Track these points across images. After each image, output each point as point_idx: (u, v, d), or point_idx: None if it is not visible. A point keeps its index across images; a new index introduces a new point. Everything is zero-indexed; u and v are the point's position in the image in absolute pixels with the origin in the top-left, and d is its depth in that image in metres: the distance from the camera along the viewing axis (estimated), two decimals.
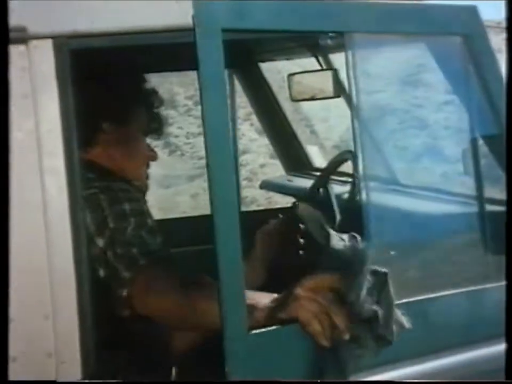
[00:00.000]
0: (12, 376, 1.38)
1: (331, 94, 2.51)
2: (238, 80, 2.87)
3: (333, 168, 2.46)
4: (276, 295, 1.50)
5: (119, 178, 1.76)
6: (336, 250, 1.52)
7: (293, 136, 2.99)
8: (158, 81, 2.05)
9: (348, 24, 1.52)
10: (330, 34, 1.86)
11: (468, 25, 1.60)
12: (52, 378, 1.41)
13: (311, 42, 2.62)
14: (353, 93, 1.56)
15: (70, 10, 1.43)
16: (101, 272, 1.58)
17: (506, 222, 1.46)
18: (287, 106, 2.91)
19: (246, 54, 2.77)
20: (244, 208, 3.29)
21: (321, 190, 2.44)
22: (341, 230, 2.12)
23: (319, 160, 3.04)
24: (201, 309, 1.50)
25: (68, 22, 1.43)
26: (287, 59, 2.88)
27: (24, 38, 1.39)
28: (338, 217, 2.21)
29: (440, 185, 2.34)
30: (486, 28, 1.61)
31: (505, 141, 1.51)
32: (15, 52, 1.39)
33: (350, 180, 2.50)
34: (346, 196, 2.40)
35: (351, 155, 2.31)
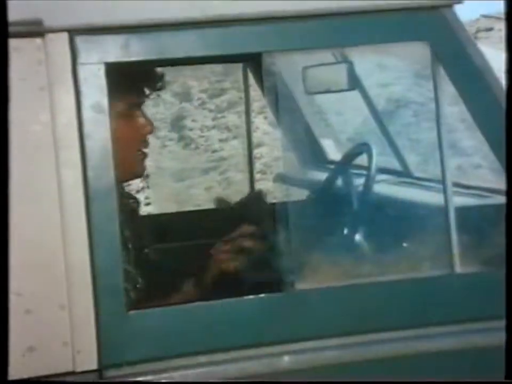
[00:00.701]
0: (30, 366, 1.40)
1: (346, 87, 2.51)
2: (252, 73, 2.87)
3: (348, 161, 2.46)
4: None
5: None
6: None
7: (307, 129, 2.99)
8: (172, 75, 2.05)
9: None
10: None
11: (433, 30, 1.57)
12: (68, 367, 1.43)
13: None
14: None
15: (85, 3, 1.44)
16: None
17: (506, 220, 1.46)
18: (301, 99, 2.90)
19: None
20: None
21: (336, 183, 2.44)
22: (356, 222, 2.15)
23: (334, 153, 3.04)
24: None
25: (84, 15, 1.44)
26: None
27: (41, 31, 1.41)
28: (353, 210, 2.22)
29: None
30: (459, 29, 1.58)
31: (505, 141, 1.51)
32: (32, 45, 1.41)
33: (365, 172, 2.50)
34: (361, 188, 2.40)
35: (367, 148, 2.31)
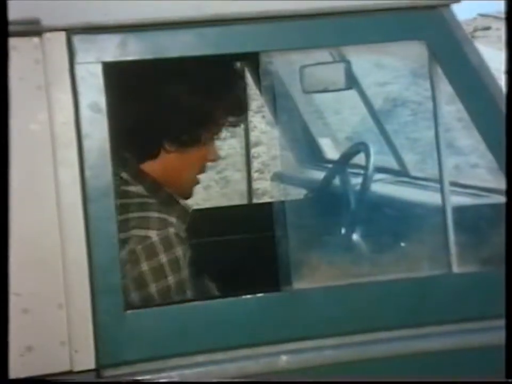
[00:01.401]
0: (28, 366, 1.40)
1: (343, 86, 2.51)
2: (249, 72, 2.87)
3: (345, 160, 2.46)
4: None
5: (167, 195, 1.74)
6: None
7: (305, 128, 2.99)
8: None
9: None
10: None
11: (430, 29, 1.57)
12: (66, 367, 1.43)
13: None
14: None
15: (83, 2, 1.44)
16: None
17: (506, 220, 1.46)
18: (299, 98, 2.91)
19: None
20: (255, 200, 3.30)
21: (333, 182, 2.44)
22: (354, 221, 2.15)
23: (331, 152, 3.04)
24: None
25: (81, 15, 1.44)
26: None
27: (38, 30, 1.41)
28: (351, 209, 2.22)
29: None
30: (456, 28, 1.59)
31: (506, 141, 1.51)
32: (29, 44, 1.41)
33: (362, 171, 2.50)
34: (359, 187, 2.40)
35: (364, 147, 2.31)
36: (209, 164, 1.85)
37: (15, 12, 1.35)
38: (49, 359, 1.43)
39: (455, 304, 1.60)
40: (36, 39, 1.41)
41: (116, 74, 1.44)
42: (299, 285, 1.55)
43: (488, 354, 1.57)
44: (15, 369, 1.35)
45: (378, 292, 1.58)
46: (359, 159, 2.37)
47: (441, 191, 1.61)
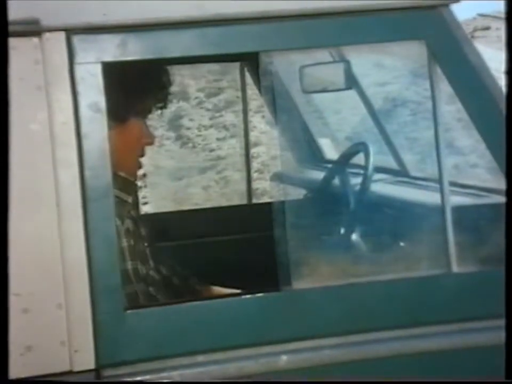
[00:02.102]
0: (27, 366, 1.40)
1: (343, 86, 2.51)
2: (249, 72, 2.87)
3: (345, 160, 2.46)
4: None
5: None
6: None
7: (304, 128, 2.99)
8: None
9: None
10: None
11: (430, 29, 1.57)
12: (66, 367, 1.43)
13: None
14: None
15: (82, 2, 1.44)
16: None
17: (506, 220, 1.46)
18: (298, 98, 2.91)
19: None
20: (255, 200, 3.30)
21: (333, 182, 2.44)
22: (353, 221, 2.15)
23: (331, 152, 3.04)
24: None
25: (81, 15, 1.44)
26: None
27: (38, 30, 1.41)
28: (351, 209, 2.22)
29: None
30: (455, 28, 1.59)
31: (506, 141, 1.51)
32: (29, 44, 1.41)
33: (362, 171, 2.50)
34: (358, 187, 2.40)
35: (364, 147, 2.31)
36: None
37: (14, 11, 1.35)
38: (49, 359, 1.43)
39: (454, 304, 1.60)
40: (35, 39, 1.41)
41: None
42: (298, 284, 1.55)
43: (488, 354, 1.57)
44: (15, 369, 1.35)
45: (378, 291, 1.58)
46: (359, 159, 2.37)
47: (441, 191, 1.61)
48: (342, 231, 2.17)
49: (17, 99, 1.37)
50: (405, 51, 1.77)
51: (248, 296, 1.54)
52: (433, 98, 1.60)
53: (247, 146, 2.91)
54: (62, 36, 1.42)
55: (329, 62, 2.64)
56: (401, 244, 1.84)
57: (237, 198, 5.13)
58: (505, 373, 1.41)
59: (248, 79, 2.85)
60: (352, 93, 2.56)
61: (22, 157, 1.40)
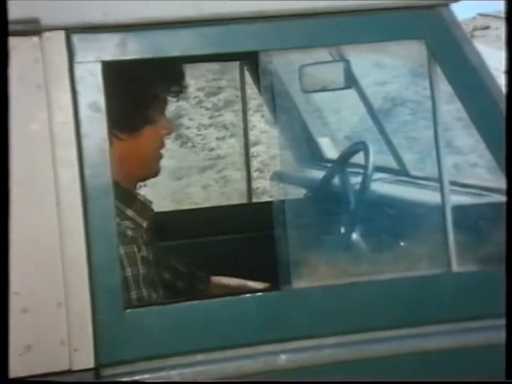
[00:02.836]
0: (27, 365, 1.40)
1: (342, 85, 2.51)
2: (248, 71, 2.87)
3: (345, 159, 2.46)
4: None
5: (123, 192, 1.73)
6: None
7: (304, 128, 2.99)
8: None
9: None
10: None
11: (429, 29, 1.57)
12: (65, 366, 1.43)
13: None
14: None
15: (82, 2, 1.44)
16: None
17: (507, 219, 1.46)
18: (298, 98, 2.91)
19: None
20: (255, 200, 3.30)
21: (332, 181, 2.44)
22: (353, 220, 2.15)
23: (330, 151, 3.04)
24: None
25: (80, 14, 1.44)
26: None
27: (37, 29, 1.41)
28: (350, 208, 2.22)
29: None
30: (455, 28, 1.59)
31: (506, 141, 1.51)
32: (29, 43, 1.41)
33: (362, 171, 2.50)
34: (358, 187, 2.40)
35: (363, 146, 2.31)
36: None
37: (14, 11, 1.35)
38: (48, 358, 1.43)
39: (454, 303, 1.60)
40: (35, 39, 1.41)
41: None
42: (298, 284, 1.55)
43: (488, 354, 1.57)
44: (15, 368, 1.35)
45: (378, 291, 1.58)
46: (359, 158, 2.37)
47: (441, 190, 1.61)
48: (342, 230, 2.17)
49: (17, 98, 1.37)
50: (404, 50, 1.77)
51: (247, 295, 1.54)
52: (432, 97, 1.60)
53: (246, 145, 2.91)
54: (61, 35, 1.42)
55: (329, 62, 2.64)
56: (401, 243, 1.84)
57: (236, 197, 5.13)
58: (505, 373, 1.41)
59: (248, 78, 2.85)
60: (351, 92, 2.56)
61: (22, 156, 1.40)
